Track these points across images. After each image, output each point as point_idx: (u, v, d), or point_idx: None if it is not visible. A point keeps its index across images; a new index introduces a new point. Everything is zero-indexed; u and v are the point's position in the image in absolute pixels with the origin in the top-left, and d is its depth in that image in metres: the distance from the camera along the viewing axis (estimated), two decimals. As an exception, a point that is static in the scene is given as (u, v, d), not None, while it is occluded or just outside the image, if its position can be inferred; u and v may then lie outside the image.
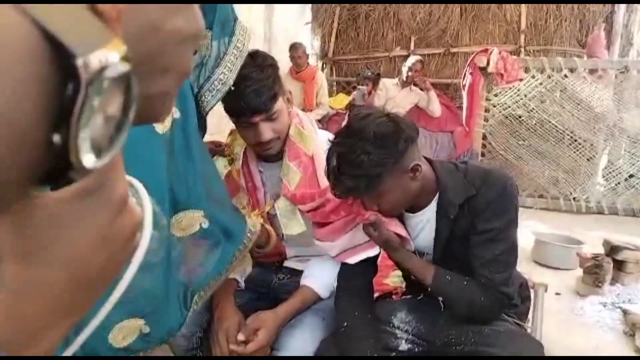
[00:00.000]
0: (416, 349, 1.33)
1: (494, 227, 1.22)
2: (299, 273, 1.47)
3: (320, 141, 1.44)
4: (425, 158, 1.31)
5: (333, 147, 1.18)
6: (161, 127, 1.04)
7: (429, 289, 1.28)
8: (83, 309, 0.30)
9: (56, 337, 0.29)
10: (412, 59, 4.58)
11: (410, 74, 4.52)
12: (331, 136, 1.51)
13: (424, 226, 1.33)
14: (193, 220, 1.13)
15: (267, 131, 1.32)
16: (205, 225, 1.14)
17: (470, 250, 1.25)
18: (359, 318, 1.33)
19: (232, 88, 1.25)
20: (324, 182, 1.37)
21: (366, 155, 1.12)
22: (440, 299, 1.31)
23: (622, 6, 4.65)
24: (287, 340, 1.30)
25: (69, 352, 0.35)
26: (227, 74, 1.20)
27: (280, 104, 1.34)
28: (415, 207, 1.30)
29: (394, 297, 1.63)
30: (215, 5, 1.18)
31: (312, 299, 1.37)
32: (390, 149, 1.14)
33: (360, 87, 4.73)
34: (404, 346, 1.32)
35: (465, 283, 1.25)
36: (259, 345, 1.25)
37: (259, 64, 1.29)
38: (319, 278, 1.40)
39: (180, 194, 1.10)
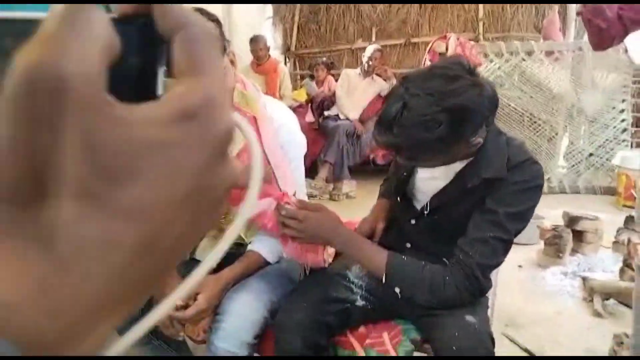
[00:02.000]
0: (369, 306, 1.28)
1: (501, 212, 1.11)
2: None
3: (263, 104, 1.38)
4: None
5: (404, 90, 1.04)
6: None
7: (383, 279, 1.16)
8: (146, 291, 0.21)
9: (106, 330, 0.19)
10: (370, 49, 4.58)
11: (370, 63, 4.51)
12: (284, 107, 1.46)
13: (439, 177, 1.22)
14: None
15: None
16: None
17: (466, 220, 1.15)
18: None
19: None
20: (270, 153, 1.31)
21: (437, 126, 1.00)
22: (397, 289, 1.17)
23: (576, -9, 4.75)
24: (230, 305, 1.24)
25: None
26: None
27: (224, 61, 1.29)
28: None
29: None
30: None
31: (258, 263, 1.31)
32: (464, 128, 1.03)
33: (307, 78, 4.75)
34: (359, 302, 1.28)
35: (423, 264, 1.16)
36: (198, 309, 1.19)
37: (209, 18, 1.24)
38: (267, 243, 1.34)
39: None
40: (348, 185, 4.28)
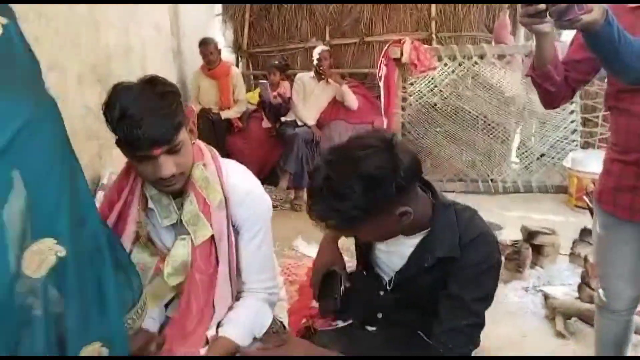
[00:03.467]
0: None
1: (466, 299, 1.13)
2: None
3: (225, 190, 1.31)
4: (432, 191, 1.21)
5: (324, 163, 1.08)
6: None
7: None
8: None
9: None
10: (318, 49, 4.48)
11: (318, 63, 4.42)
12: (247, 173, 1.39)
13: (395, 252, 1.25)
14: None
15: (169, 165, 1.16)
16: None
17: (435, 304, 1.18)
18: None
19: (130, 116, 1.09)
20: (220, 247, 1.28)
21: (352, 194, 1.02)
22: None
23: (525, -9, 4.82)
24: None
25: None
26: None
27: (183, 134, 1.19)
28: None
29: (320, 322, 1.56)
30: None
31: (230, 350, 1.25)
32: (379, 195, 1.03)
33: (262, 81, 4.57)
34: None
35: None
36: None
37: (158, 91, 1.14)
38: (237, 324, 1.28)
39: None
40: (308, 193, 4.23)
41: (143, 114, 1.09)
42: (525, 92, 4.23)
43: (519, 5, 4.72)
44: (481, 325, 1.18)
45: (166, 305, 1.38)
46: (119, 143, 1.17)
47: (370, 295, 1.34)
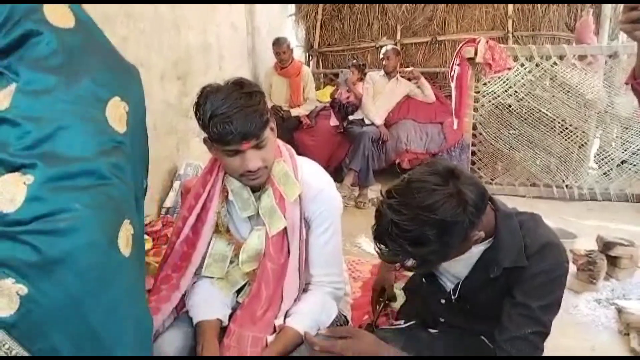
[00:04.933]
0: None
1: (532, 306, 1.13)
2: None
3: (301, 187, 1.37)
4: (491, 202, 1.21)
5: (387, 207, 1.07)
6: None
7: None
8: None
9: None
10: (384, 48, 4.50)
11: (384, 63, 4.44)
12: (321, 172, 1.46)
13: (459, 261, 1.24)
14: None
15: (255, 159, 1.25)
16: None
17: (499, 311, 1.18)
18: None
19: (222, 113, 1.19)
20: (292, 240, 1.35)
21: (428, 241, 1.04)
22: None
23: (611, -12, 4.56)
24: None
25: None
26: None
27: (269, 131, 1.28)
28: None
29: (382, 321, 1.59)
30: None
31: (296, 340, 1.31)
32: (454, 237, 1.05)
33: (343, 70, 4.62)
34: None
35: None
36: None
37: (246, 91, 1.23)
38: (304, 316, 1.34)
39: None
40: (373, 192, 4.25)
41: (233, 111, 1.18)
42: (608, 95, 4.01)
43: (603, 4, 4.48)
44: (546, 333, 1.17)
45: (238, 292, 1.46)
46: (209, 140, 1.27)
47: (432, 302, 1.37)
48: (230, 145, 1.22)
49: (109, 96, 1.01)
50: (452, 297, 1.29)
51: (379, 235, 1.10)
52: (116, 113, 1.01)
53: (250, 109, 1.20)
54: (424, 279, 1.37)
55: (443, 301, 1.32)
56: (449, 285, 1.32)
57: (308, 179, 1.38)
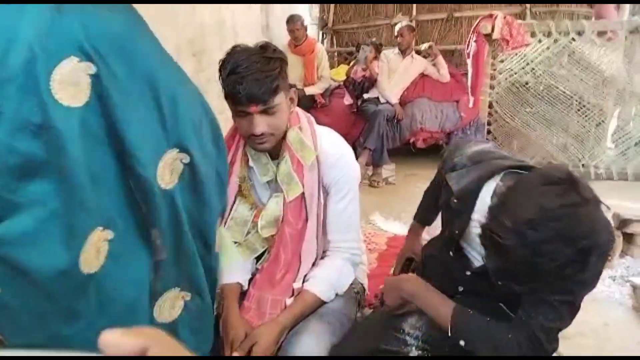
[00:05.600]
0: (426, 355, 1.30)
1: (567, 275, 1.04)
2: None
3: (318, 153, 1.39)
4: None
5: (529, 234, 0.95)
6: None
7: (449, 332, 1.18)
8: None
9: None
10: (398, 25, 4.46)
11: (399, 40, 4.40)
12: (340, 140, 1.47)
13: None
14: None
15: (261, 124, 1.27)
16: None
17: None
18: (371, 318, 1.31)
19: (237, 71, 1.23)
20: (310, 205, 1.37)
21: (579, 268, 0.96)
22: (462, 342, 1.18)
23: (633, -38, 4.45)
24: (291, 349, 1.27)
25: None
26: None
27: (281, 98, 1.29)
28: None
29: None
30: None
31: (314, 304, 1.34)
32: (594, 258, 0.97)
33: (364, 46, 4.58)
34: (414, 352, 1.29)
35: (488, 320, 1.16)
36: None
37: (267, 56, 1.25)
38: (322, 280, 1.37)
39: None
40: (387, 170, 4.26)
41: (248, 72, 1.21)
42: (627, 72, 3.94)
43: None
44: (574, 305, 1.12)
45: (257, 259, 1.49)
46: (226, 97, 1.30)
47: (456, 272, 1.36)
48: (239, 105, 1.27)
49: None
50: (478, 271, 1.28)
51: (517, 266, 0.99)
52: None
53: (264, 73, 1.23)
54: (451, 252, 1.35)
55: (468, 273, 1.32)
56: (477, 261, 1.30)
57: (327, 146, 1.40)
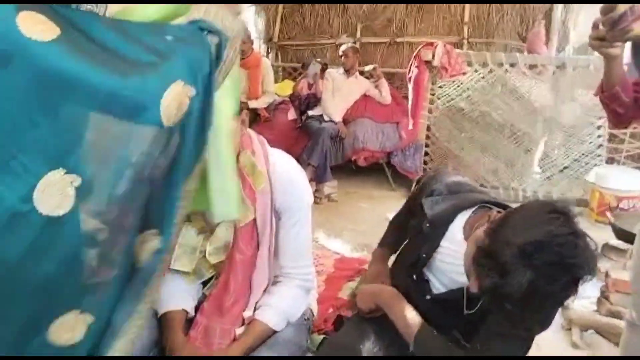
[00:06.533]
0: None
1: (524, 311, 1.09)
2: None
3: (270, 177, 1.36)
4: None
5: (523, 262, 0.98)
6: None
7: (410, 346, 1.21)
8: None
9: None
10: (343, 46, 4.57)
11: (343, 60, 4.49)
12: (293, 162, 1.44)
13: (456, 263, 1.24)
14: None
15: None
16: None
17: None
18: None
19: None
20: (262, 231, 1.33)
21: (567, 291, 1.01)
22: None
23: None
24: None
25: None
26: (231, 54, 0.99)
27: (237, 121, 1.26)
28: None
29: (349, 312, 1.61)
30: None
31: (265, 334, 1.30)
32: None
33: (314, 61, 4.62)
34: None
35: (449, 346, 1.19)
36: None
37: None
38: (274, 309, 1.33)
39: None
40: (330, 187, 4.29)
41: None
42: (554, 103, 4.22)
43: (552, 17, 4.72)
44: (527, 343, 1.18)
45: (204, 284, 1.43)
46: None
47: (415, 297, 1.35)
48: None
49: None
50: (439, 297, 1.30)
51: (509, 293, 1.00)
52: None
53: None
54: (414, 276, 1.36)
55: (428, 297, 1.33)
56: (437, 287, 1.32)
57: (280, 170, 1.38)
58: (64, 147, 0.80)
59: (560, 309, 2.43)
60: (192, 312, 1.35)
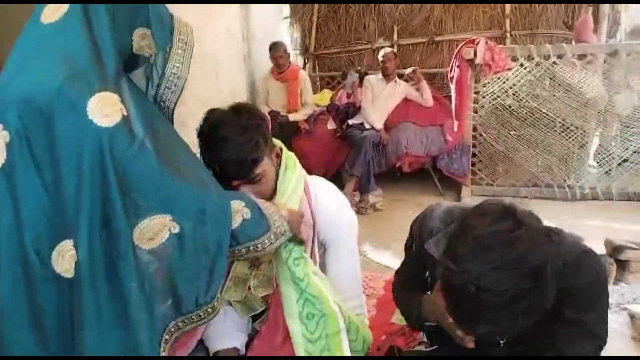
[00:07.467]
0: None
1: (587, 321, 1.10)
2: None
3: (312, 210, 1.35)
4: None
5: (465, 276, 0.92)
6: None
7: None
8: None
9: None
10: (382, 52, 4.48)
11: (383, 66, 4.41)
12: (327, 193, 1.40)
13: None
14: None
15: (246, 192, 1.24)
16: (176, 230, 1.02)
17: (550, 338, 1.12)
18: None
19: (213, 148, 1.22)
20: None
21: (524, 293, 0.92)
22: None
23: (609, -14, 4.55)
24: None
25: None
26: (179, 67, 1.16)
27: (263, 166, 1.25)
28: None
29: (401, 341, 1.55)
30: (146, 4, 1.12)
31: None
32: (549, 279, 0.95)
33: (351, 72, 4.56)
34: None
35: None
36: None
37: (242, 125, 1.20)
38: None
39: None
40: (375, 197, 4.23)
41: (223, 150, 1.19)
42: (608, 93, 4.00)
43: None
44: (603, 344, 1.16)
45: (255, 318, 1.42)
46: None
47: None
48: (221, 180, 1.22)
49: None
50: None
51: (465, 313, 0.97)
52: None
53: (241, 148, 1.20)
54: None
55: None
56: None
57: (323, 203, 1.35)
58: None
59: (630, 320, 2.32)
60: (242, 350, 1.34)
